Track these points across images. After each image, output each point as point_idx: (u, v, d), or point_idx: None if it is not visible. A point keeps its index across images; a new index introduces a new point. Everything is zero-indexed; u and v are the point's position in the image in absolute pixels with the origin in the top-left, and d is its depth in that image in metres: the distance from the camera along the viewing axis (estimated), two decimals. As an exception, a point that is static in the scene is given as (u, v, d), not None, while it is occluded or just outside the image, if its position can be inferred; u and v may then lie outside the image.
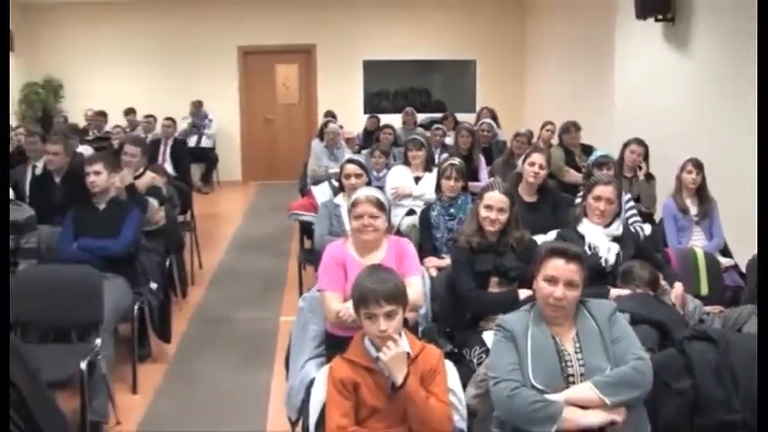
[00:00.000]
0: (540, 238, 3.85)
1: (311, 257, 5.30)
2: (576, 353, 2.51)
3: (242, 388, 4.44)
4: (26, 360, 2.78)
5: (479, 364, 3.12)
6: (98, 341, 3.82)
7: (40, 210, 4.82)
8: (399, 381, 2.46)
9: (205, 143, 11.55)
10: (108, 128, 10.49)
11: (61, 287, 3.92)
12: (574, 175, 6.46)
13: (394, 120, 10.01)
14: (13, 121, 10.67)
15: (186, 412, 4.18)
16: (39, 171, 6.18)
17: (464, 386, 2.75)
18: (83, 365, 3.57)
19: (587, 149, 6.61)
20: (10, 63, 11.47)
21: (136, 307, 4.44)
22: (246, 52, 12.15)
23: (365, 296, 2.51)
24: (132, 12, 11.84)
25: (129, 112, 11.20)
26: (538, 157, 4.66)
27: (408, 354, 2.54)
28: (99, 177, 4.55)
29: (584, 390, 2.40)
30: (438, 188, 4.74)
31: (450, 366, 2.71)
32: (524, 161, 4.75)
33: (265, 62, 12.27)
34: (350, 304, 2.75)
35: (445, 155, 6.60)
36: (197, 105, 11.59)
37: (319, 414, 2.62)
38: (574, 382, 2.45)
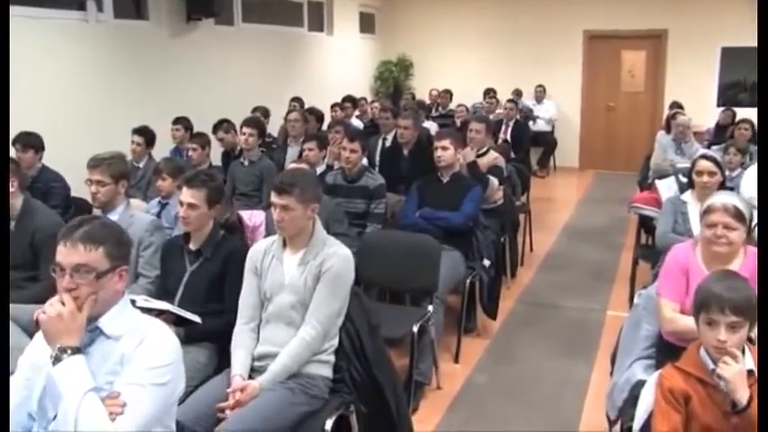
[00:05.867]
0: None
1: (649, 254, 5.08)
2: None
3: (560, 376, 4.40)
4: (370, 315, 3.02)
5: None
6: (430, 308, 4.02)
7: (388, 179, 5.16)
8: (744, 401, 2.22)
9: (543, 127, 11.53)
10: (452, 106, 10.98)
11: (402, 252, 4.16)
12: None
13: (752, 114, 9.07)
14: (368, 96, 11.63)
15: (501, 389, 4.25)
16: (388, 143, 6.65)
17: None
18: (414, 328, 3.79)
19: None
20: (371, 44, 12.52)
21: (468, 281, 4.59)
22: (592, 37, 11.85)
23: (709, 301, 2.29)
24: (481, -5, 12.22)
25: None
26: None
27: (751, 371, 2.29)
28: (446, 152, 4.75)
29: None
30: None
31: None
32: None
33: (611, 47, 11.87)
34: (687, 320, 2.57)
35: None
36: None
37: (645, 421, 2.48)
38: None
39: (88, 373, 1.95)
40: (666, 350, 2.90)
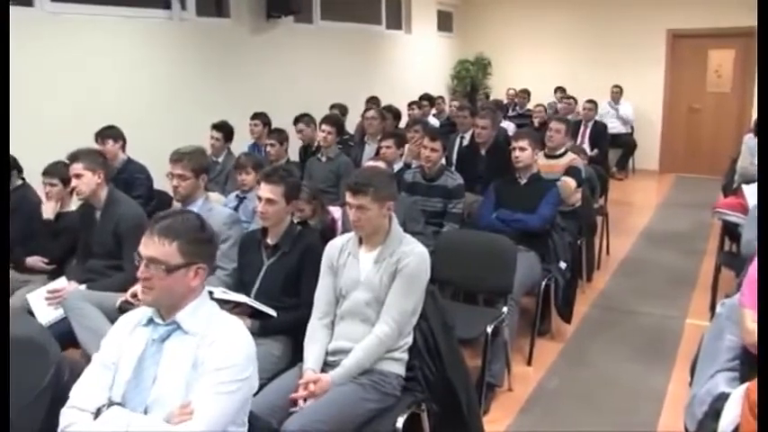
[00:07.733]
0: None
1: (733, 261, 4.89)
2: None
3: (635, 382, 4.29)
4: (445, 314, 3.00)
5: None
6: (504, 309, 3.98)
7: (465, 178, 5.12)
8: None
9: (620, 128, 11.20)
10: (530, 106, 10.84)
11: (478, 253, 4.12)
12: None
13: None
14: (445, 94, 11.59)
15: (574, 394, 4.17)
16: (466, 142, 6.62)
17: None
18: (488, 329, 3.76)
19: None
20: (449, 42, 12.49)
21: (543, 283, 4.53)
22: (676, 36, 11.47)
23: None
24: (562, -6, 12.03)
25: (557, 90, 11.36)
26: None
27: None
28: (524, 153, 4.68)
29: None
30: None
31: None
32: None
33: (697, 47, 11.44)
34: None
35: None
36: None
37: (730, 436, 2.39)
38: None
39: (125, 413, 2.03)
40: (752, 363, 2.78)
